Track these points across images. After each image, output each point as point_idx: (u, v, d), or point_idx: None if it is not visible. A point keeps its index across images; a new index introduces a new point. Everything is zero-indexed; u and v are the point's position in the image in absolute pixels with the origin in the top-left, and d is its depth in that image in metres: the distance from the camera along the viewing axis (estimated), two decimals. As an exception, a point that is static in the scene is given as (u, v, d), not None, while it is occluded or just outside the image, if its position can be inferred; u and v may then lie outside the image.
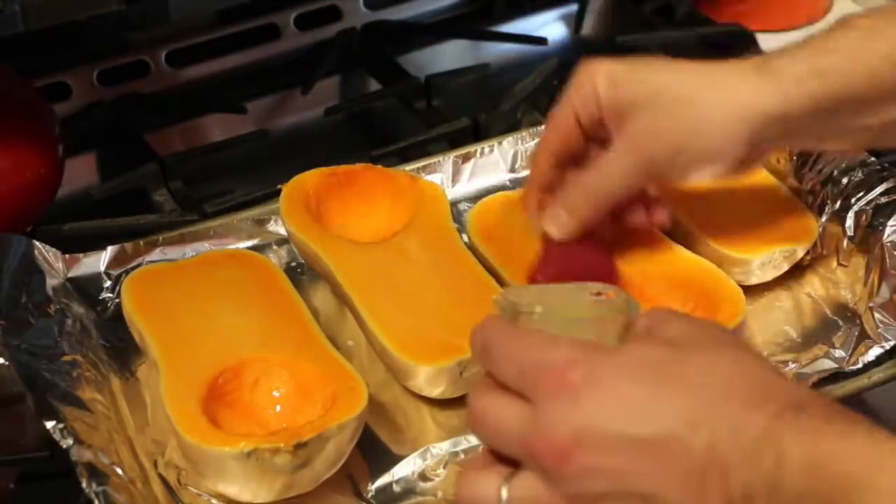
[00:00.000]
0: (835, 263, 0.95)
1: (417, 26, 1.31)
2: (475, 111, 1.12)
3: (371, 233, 0.94)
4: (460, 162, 1.04)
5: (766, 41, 1.22)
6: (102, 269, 0.93)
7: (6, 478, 0.82)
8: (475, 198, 1.00)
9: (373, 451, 0.81)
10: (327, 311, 0.92)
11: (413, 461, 0.81)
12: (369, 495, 0.79)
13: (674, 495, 0.56)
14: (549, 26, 1.33)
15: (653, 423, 0.57)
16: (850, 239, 0.94)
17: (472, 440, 0.82)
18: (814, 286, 0.95)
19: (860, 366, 0.87)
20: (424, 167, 1.03)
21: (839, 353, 0.88)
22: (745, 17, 1.29)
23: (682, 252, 0.91)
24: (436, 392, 0.83)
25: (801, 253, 0.94)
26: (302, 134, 1.21)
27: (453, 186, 1.03)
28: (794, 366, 0.86)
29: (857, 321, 0.90)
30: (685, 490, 0.56)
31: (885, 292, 0.89)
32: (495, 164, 1.05)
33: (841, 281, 0.94)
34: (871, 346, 0.88)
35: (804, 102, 0.79)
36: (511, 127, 1.11)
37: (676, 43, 1.25)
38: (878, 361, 0.87)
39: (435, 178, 1.02)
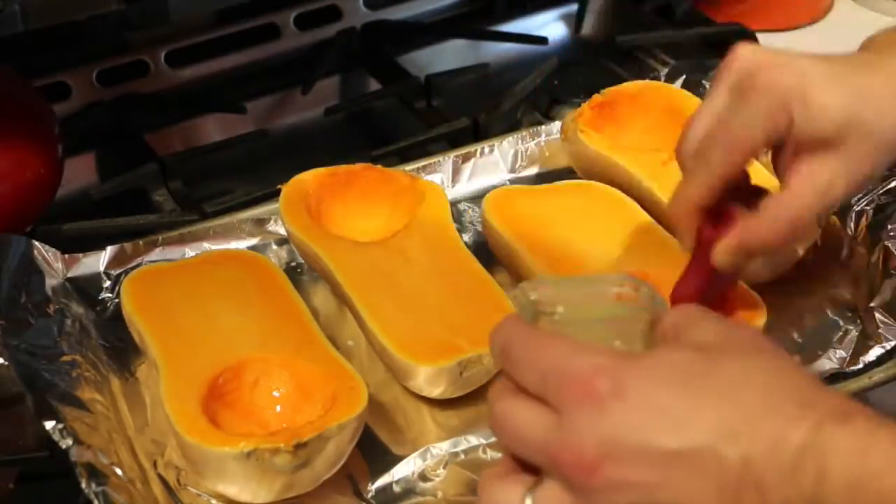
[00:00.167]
0: (836, 263, 0.95)
1: (417, 26, 1.31)
2: (475, 111, 1.12)
3: (371, 233, 0.94)
4: (460, 162, 1.04)
5: (766, 41, 1.22)
6: (102, 269, 0.93)
7: (6, 478, 0.82)
8: (475, 198, 1.00)
9: (373, 451, 0.81)
10: (327, 311, 0.92)
11: (413, 461, 0.80)
12: (369, 495, 0.78)
13: None
14: (549, 26, 1.33)
15: (685, 435, 0.54)
16: (852, 239, 0.94)
17: (472, 440, 0.82)
18: (815, 286, 0.95)
19: (861, 366, 0.87)
20: (424, 167, 1.03)
21: (840, 353, 0.88)
22: (745, 17, 1.29)
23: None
24: (436, 392, 0.83)
25: (801, 252, 0.94)
26: (302, 134, 1.21)
27: (453, 186, 1.03)
28: (794, 366, 0.86)
29: (858, 321, 0.90)
30: None
31: (886, 292, 0.89)
32: (495, 164, 1.05)
33: (842, 281, 0.94)
34: (871, 347, 0.88)
35: None
36: (511, 127, 1.11)
37: (676, 43, 1.25)
38: (879, 361, 0.87)
39: (435, 178, 1.02)
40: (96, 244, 0.94)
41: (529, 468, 0.58)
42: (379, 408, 0.84)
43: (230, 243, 0.96)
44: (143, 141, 1.12)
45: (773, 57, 0.75)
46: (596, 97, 1.04)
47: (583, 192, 0.98)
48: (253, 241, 0.97)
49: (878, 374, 0.86)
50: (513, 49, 1.29)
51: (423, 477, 0.80)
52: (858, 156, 0.74)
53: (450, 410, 0.84)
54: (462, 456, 0.81)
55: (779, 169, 0.77)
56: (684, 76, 1.10)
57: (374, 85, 1.25)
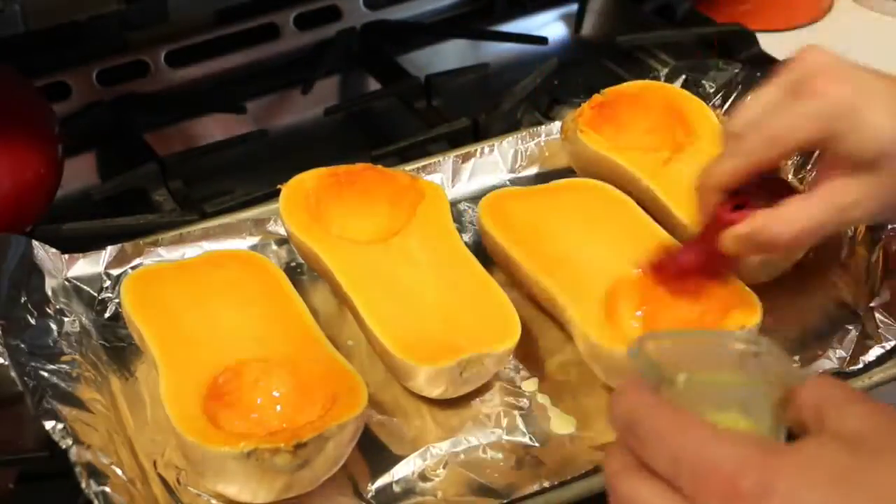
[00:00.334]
0: (836, 263, 0.95)
1: (417, 26, 1.31)
2: (475, 111, 1.13)
3: (371, 233, 0.94)
4: (460, 162, 1.04)
5: (766, 41, 1.22)
6: (102, 269, 0.93)
7: (6, 478, 0.82)
8: (475, 198, 1.00)
9: (373, 451, 0.81)
10: (327, 311, 0.92)
11: (413, 461, 0.80)
12: (369, 495, 0.78)
13: None
14: (549, 26, 1.33)
15: None
16: (851, 239, 0.94)
17: (472, 440, 0.82)
18: (814, 286, 0.95)
19: (861, 366, 0.87)
20: (424, 167, 1.03)
21: (840, 353, 0.88)
22: (745, 17, 1.29)
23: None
24: (436, 392, 0.83)
25: (801, 253, 0.94)
26: (302, 134, 1.21)
27: (453, 186, 1.03)
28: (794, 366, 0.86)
29: (858, 321, 0.90)
30: None
31: (885, 292, 0.90)
32: (495, 164, 1.05)
33: (841, 281, 0.94)
34: (871, 347, 0.88)
35: None
36: (511, 127, 1.11)
37: (676, 43, 1.25)
38: (879, 361, 0.87)
39: (435, 178, 1.02)
40: (96, 244, 0.94)
41: None
42: (379, 408, 0.84)
43: (230, 243, 0.96)
44: (143, 141, 1.12)
45: (836, 65, 0.74)
46: (596, 97, 1.04)
47: (581, 190, 0.98)
48: (253, 241, 0.97)
49: (878, 374, 0.86)
50: (513, 49, 1.29)
51: (423, 477, 0.80)
52: (892, 182, 0.73)
53: (450, 410, 0.84)
54: (462, 456, 0.81)
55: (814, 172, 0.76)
56: (684, 76, 1.10)
57: (374, 85, 1.25)
